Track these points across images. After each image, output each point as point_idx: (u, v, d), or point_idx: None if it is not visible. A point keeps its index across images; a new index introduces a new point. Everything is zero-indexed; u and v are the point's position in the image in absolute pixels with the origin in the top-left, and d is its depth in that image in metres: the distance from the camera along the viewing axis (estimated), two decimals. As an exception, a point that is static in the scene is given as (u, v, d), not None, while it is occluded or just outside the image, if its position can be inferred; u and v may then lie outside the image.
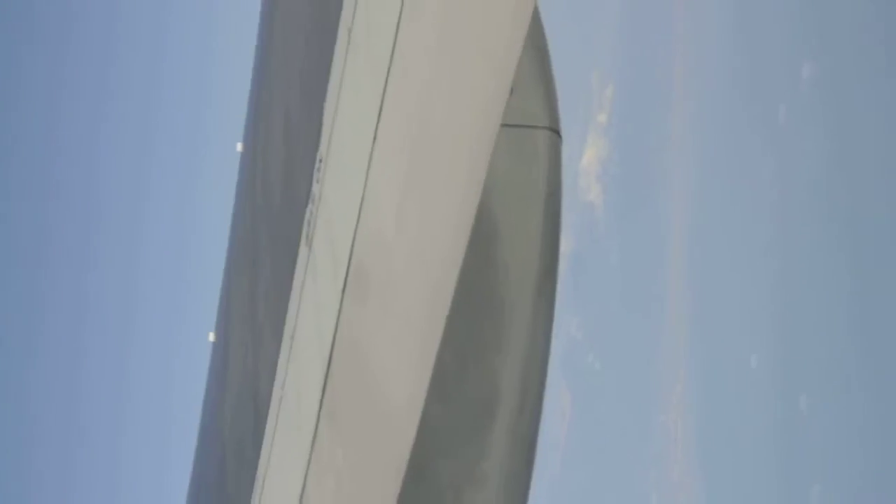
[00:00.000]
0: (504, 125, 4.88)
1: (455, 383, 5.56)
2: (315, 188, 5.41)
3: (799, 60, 41.09)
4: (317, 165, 5.39)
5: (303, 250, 5.56)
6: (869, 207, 37.55)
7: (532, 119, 5.81)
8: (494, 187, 5.52)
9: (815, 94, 40.69)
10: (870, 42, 38.43)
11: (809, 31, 40.90)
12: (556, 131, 5.86)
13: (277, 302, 5.83)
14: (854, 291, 37.33)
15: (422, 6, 4.63)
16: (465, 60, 4.53)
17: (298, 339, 5.67)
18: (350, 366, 5.26)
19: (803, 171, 40.16)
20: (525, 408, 5.73)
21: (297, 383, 5.69)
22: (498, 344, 5.65)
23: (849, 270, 37.54)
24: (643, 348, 44.11)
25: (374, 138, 4.88)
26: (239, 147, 7.02)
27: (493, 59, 4.51)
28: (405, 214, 4.89)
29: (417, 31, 4.64)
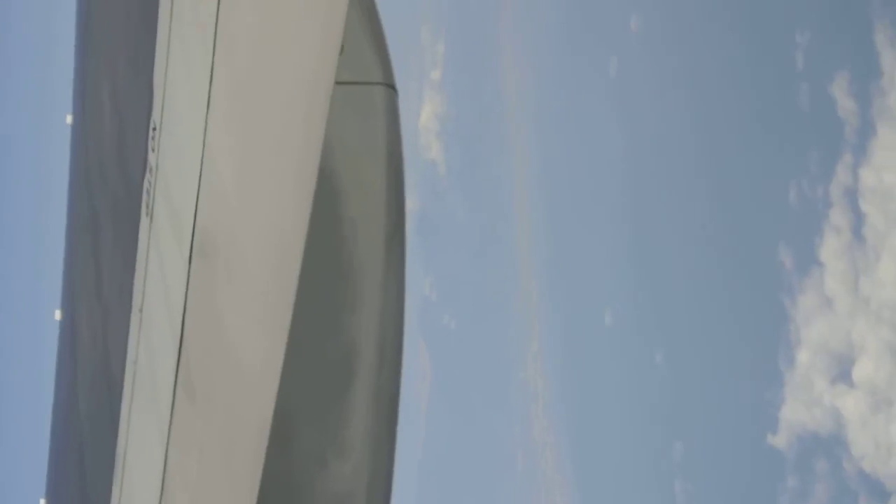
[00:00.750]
0: (338, 83, 4.86)
1: (312, 346, 5.54)
2: (151, 157, 5.31)
3: (627, 14, 41.34)
4: (151, 133, 5.28)
5: (144, 221, 5.46)
6: (714, 154, 37.93)
7: (366, 75, 5.79)
8: (335, 146, 5.49)
9: (644, 47, 40.94)
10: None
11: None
12: (391, 86, 5.85)
13: (123, 276, 5.72)
14: (708, 245, 37.81)
15: None
16: (294, 18, 4.50)
17: (148, 311, 5.57)
18: (203, 335, 5.20)
19: (641, 122, 40.37)
20: (384, 367, 5.75)
21: (150, 357, 5.60)
22: (352, 303, 5.64)
23: (701, 223, 37.96)
24: (497, 306, 44.17)
25: (208, 102, 4.80)
26: (69, 119, 6.83)
27: (320, 16, 4.48)
28: (246, 177, 4.83)
29: None
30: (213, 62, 4.72)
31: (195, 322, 5.18)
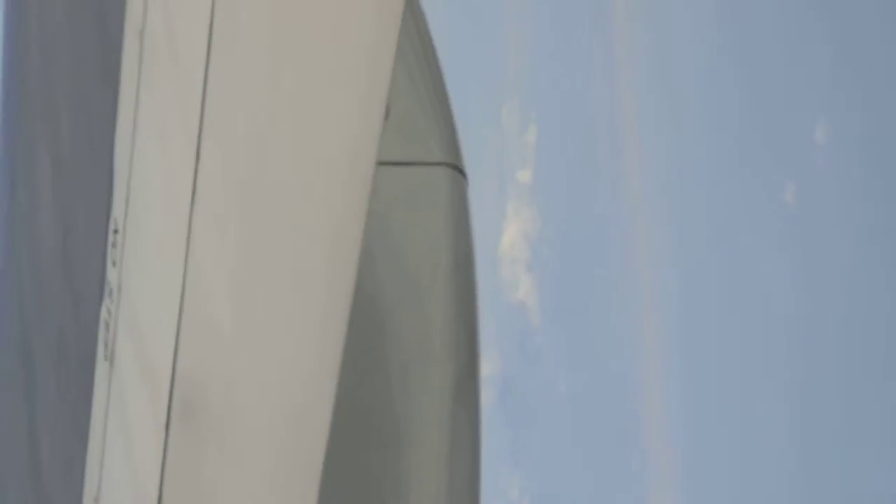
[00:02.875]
0: (382, 163, 3.35)
1: None
2: (111, 274, 3.76)
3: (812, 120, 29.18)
4: (111, 239, 3.75)
5: (101, 367, 3.89)
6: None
7: (423, 153, 4.24)
8: (376, 256, 3.95)
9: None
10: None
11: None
12: (458, 169, 4.28)
13: (70, 449, 4.12)
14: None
15: None
16: (315, 67, 3.00)
17: (107, 502, 3.98)
18: None
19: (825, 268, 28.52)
20: None
21: None
22: (402, 490, 3.97)
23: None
24: None
25: (194, 191, 3.28)
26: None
27: (356, 63, 2.97)
28: (249, 305, 3.30)
29: (242, 26, 3.11)
30: (200, 131, 3.22)
31: None
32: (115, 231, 3.76)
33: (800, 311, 28.51)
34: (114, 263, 3.76)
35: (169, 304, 3.45)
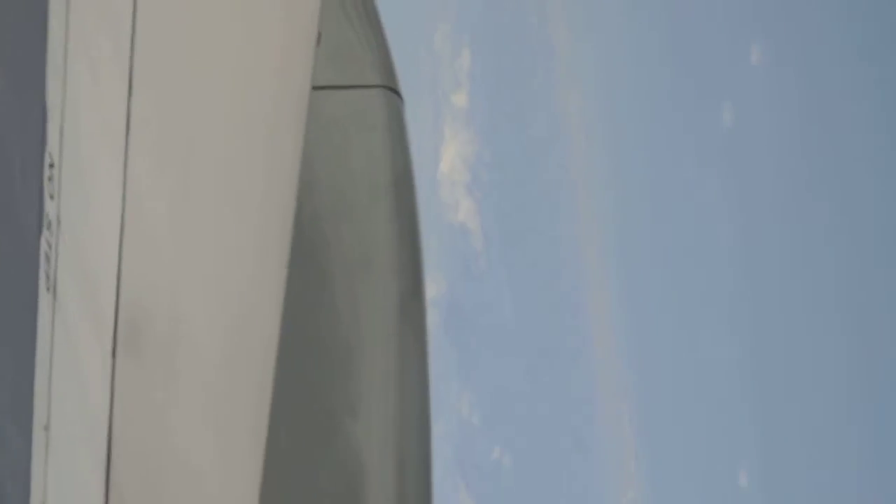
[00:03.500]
0: (317, 87, 3.39)
1: (298, 473, 3.96)
2: (49, 207, 3.78)
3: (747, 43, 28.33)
4: (47, 173, 3.76)
5: (44, 299, 3.92)
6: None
7: (358, 76, 4.26)
8: (315, 178, 3.98)
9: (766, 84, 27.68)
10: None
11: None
12: (394, 91, 4.30)
13: (17, 381, 4.15)
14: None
15: None
16: None
17: (57, 431, 4.02)
18: (140, 462, 3.67)
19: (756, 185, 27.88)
20: None
21: (64, 498, 4.05)
22: (352, 404, 4.04)
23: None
24: (569, 434, 30.00)
25: (128, 119, 3.31)
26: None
27: None
28: (190, 229, 3.33)
29: None
30: (131, 59, 3.24)
31: (127, 444, 3.65)
32: (51, 165, 3.77)
33: (735, 229, 28.83)
34: (51, 196, 3.77)
35: (109, 232, 3.48)
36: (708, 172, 29.43)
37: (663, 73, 29.66)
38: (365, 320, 4.03)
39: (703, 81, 29.28)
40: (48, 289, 3.88)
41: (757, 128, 28.67)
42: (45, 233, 3.84)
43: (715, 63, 29.33)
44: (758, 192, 29.01)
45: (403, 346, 4.01)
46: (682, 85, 29.52)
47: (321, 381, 3.98)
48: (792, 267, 28.51)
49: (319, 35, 3.14)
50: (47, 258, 3.85)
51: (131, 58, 3.26)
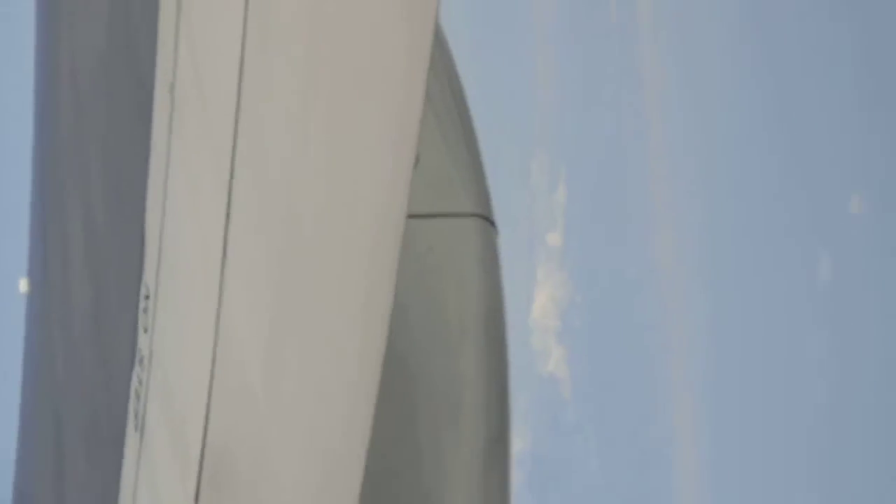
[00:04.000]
0: (412, 216, 3.23)
1: None
2: (142, 341, 3.65)
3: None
4: (142, 305, 3.64)
5: (132, 438, 3.77)
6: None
7: (452, 204, 4.11)
8: (407, 310, 3.81)
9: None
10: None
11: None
12: (488, 220, 4.15)
13: None
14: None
15: (275, 38, 2.99)
16: (345, 117, 2.90)
17: None
18: None
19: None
20: None
21: None
22: None
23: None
24: None
25: (224, 251, 3.18)
26: (23, 285, 5.07)
27: (386, 113, 2.87)
28: (281, 372, 3.18)
29: (272, 78, 3.02)
30: (230, 193, 3.12)
31: None
32: (147, 297, 3.66)
33: (831, 389, 28.06)
34: (145, 330, 3.65)
35: (200, 370, 3.33)
36: (805, 328, 28.70)
37: (764, 217, 29.28)
38: (449, 464, 3.81)
39: (801, 229, 28.77)
40: (136, 428, 3.73)
41: (856, 281, 28.01)
42: (136, 368, 3.71)
43: (814, 210, 28.93)
44: (856, 343, 28.22)
45: (487, 495, 3.77)
46: (782, 233, 29.13)
47: None
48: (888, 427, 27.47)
49: (417, 159, 3.00)
50: (137, 395, 3.72)
51: (230, 185, 3.15)
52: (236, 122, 3.08)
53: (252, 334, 3.27)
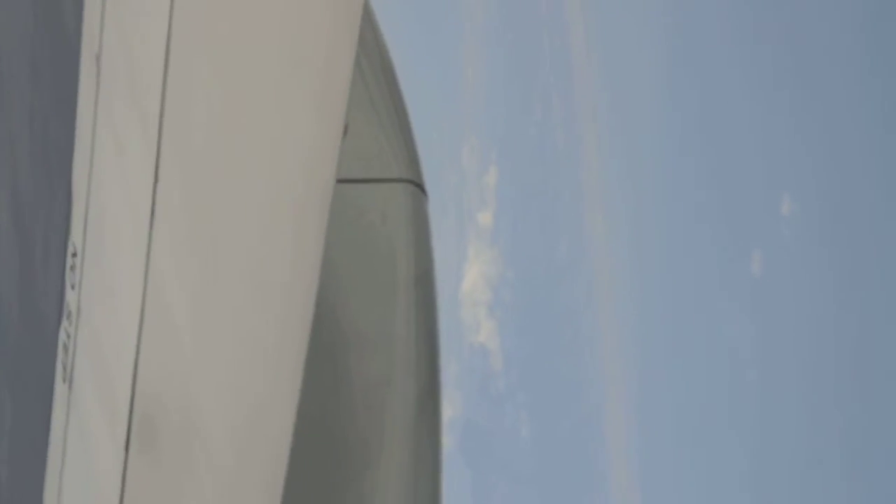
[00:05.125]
0: (342, 181, 3.40)
1: None
2: (70, 297, 3.79)
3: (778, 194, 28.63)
4: (69, 262, 3.78)
5: (60, 389, 3.92)
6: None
7: (382, 170, 4.28)
8: (337, 271, 3.98)
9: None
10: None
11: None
12: (418, 185, 4.33)
13: (29, 470, 4.13)
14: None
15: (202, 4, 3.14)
16: (271, 84, 3.06)
17: None
18: None
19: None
20: None
21: None
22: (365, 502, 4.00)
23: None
24: None
25: (153, 211, 3.33)
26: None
27: (313, 81, 3.04)
28: (209, 325, 3.35)
29: (197, 47, 3.16)
30: (158, 155, 3.27)
31: None
32: (74, 254, 3.80)
33: (760, 377, 28.63)
34: (72, 286, 3.79)
35: (128, 324, 3.48)
36: (733, 316, 29.23)
37: (694, 206, 29.68)
38: (380, 417, 4.01)
39: (733, 224, 29.31)
40: (64, 380, 3.88)
41: (786, 277, 28.60)
42: (64, 322, 3.85)
43: (746, 209, 29.34)
44: (783, 340, 28.85)
45: (418, 448, 3.98)
46: (712, 223, 29.55)
47: (334, 479, 3.95)
48: (810, 420, 28.20)
49: (346, 128, 3.17)
50: (65, 349, 3.86)
51: (158, 145, 3.29)
52: (163, 89, 3.23)
53: (180, 289, 3.43)
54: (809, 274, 27.89)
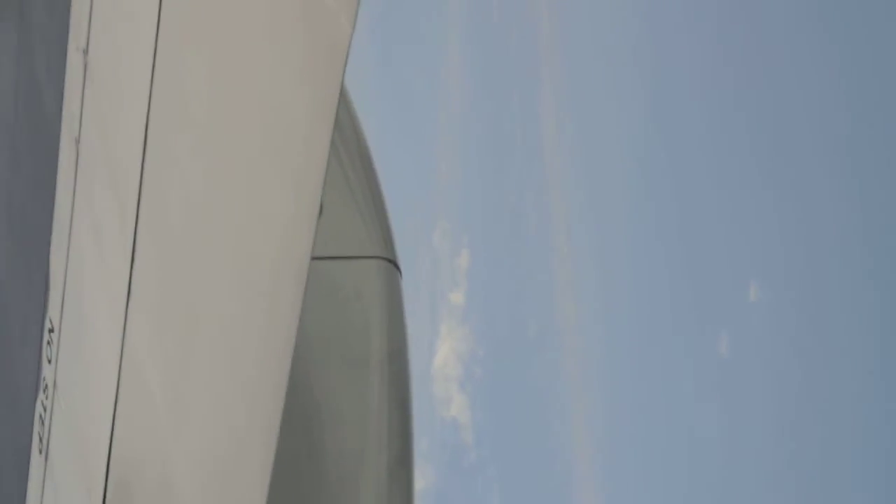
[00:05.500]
0: (317, 258, 3.54)
1: None
2: (46, 371, 3.94)
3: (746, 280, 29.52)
4: (46, 337, 3.93)
5: (36, 461, 4.04)
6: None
7: (357, 247, 4.46)
8: (312, 347, 4.14)
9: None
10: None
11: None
12: (393, 263, 4.50)
13: None
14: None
15: (180, 97, 3.32)
16: (249, 166, 3.23)
17: None
18: None
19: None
20: None
21: None
22: None
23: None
24: None
25: (129, 288, 3.49)
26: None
27: (290, 161, 3.21)
28: (185, 401, 3.48)
29: (173, 128, 3.33)
30: (135, 229, 3.43)
31: None
32: (51, 330, 3.94)
33: (722, 452, 28.91)
34: (49, 361, 3.93)
35: (104, 398, 3.61)
36: (701, 396, 29.51)
37: (663, 295, 30.01)
38: (354, 487, 4.15)
39: (702, 305, 29.69)
40: (40, 451, 4.01)
41: (752, 360, 28.96)
42: (40, 395, 3.99)
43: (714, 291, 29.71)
44: (750, 421, 29.10)
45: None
46: (681, 310, 29.88)
47: None
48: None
49: (322, 207, 3.33)
50: (41, 421, 3.99)
51: (135, 228, 3.44)
52: (141, 170, 3.40)
53: (155, 364, 3.57)
54: (776, 357, 28.25)
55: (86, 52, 3.62)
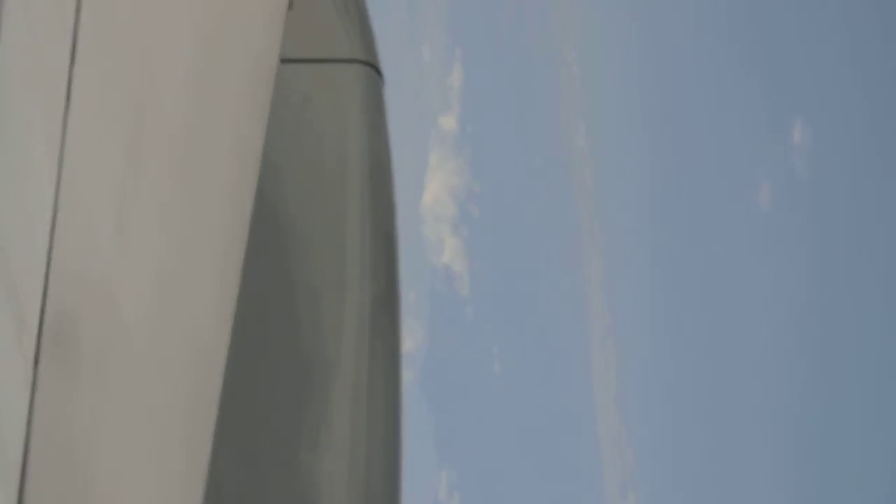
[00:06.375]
0: (287, 60, 3.08)
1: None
2: None
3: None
4: None
5: None
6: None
7: (333, 49, 3.94)
8: (280, 162, 3.64)
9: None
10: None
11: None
12: (373, 67, 3.98)
13: None
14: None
15: None
16: None
17: None
18: (61, 483, 3.30)
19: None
20: None
21: None
22: (312, 433, 3.64)
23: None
24: None
25: (70, 80, 2.99)
26: None
27: None
28: (135, 214, 3.04)
29: None
30: (77, 20, 2.93)
31: (45, 463, 3.27)
32: None
33: (773, 312, 26.56)
34: None
35: (39, 229, 3.14)
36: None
37: (671, 100, 27.12)
38: (329, 330, 3.65)
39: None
40: None
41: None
42: None
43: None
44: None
45: (372, 365, 3.64)
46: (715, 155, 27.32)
47: (276, 402, 3.59)
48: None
49: (292, 1, 2.86)
50: None
51: (77, 18, 2.95)
52: None
53: (99, 182, 3.10)
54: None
55: None
